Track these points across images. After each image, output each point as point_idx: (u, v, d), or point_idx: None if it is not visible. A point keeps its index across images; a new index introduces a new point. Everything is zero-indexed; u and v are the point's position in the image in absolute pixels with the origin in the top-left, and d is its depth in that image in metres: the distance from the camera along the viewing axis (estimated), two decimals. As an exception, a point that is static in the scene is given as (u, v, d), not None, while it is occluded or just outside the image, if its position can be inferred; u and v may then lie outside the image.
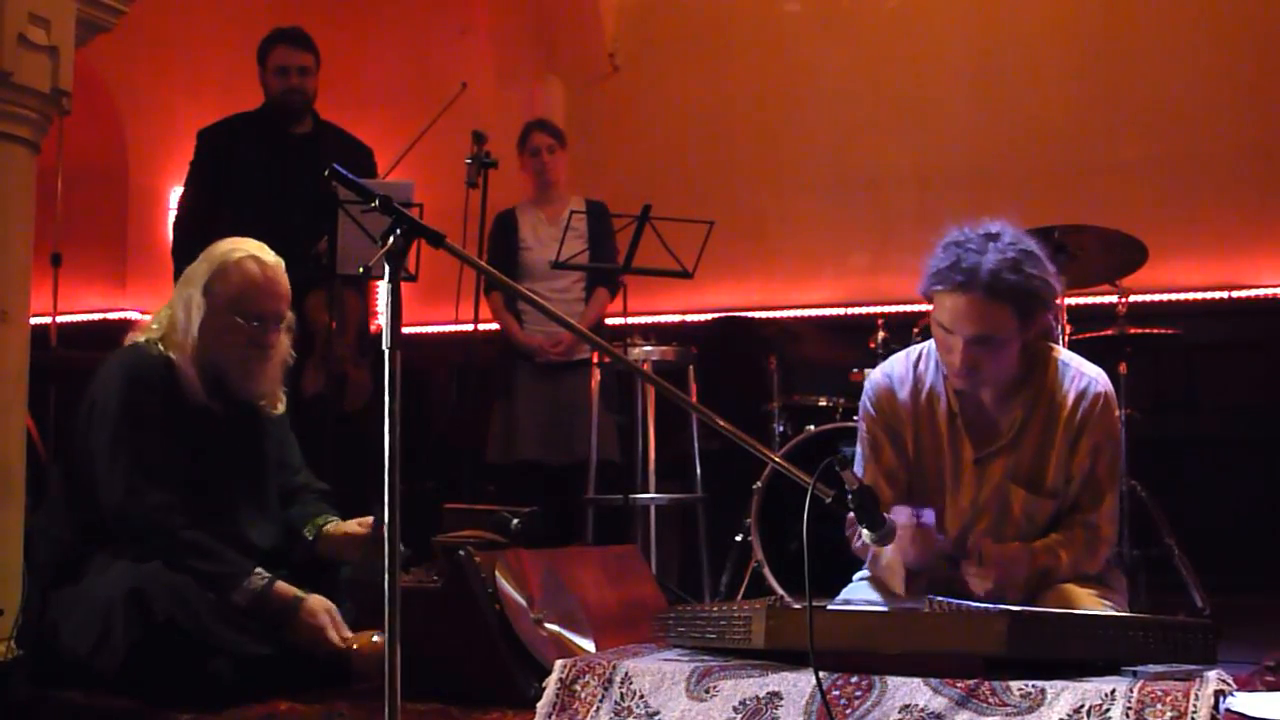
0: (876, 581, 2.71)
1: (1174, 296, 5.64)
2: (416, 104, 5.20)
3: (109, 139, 6.62)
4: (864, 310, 5.89)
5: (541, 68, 6.67)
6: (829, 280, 6.21)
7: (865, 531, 2.27)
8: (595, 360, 4.85)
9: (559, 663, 2.31)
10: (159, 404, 2.91)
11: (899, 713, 1.99)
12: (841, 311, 6.07)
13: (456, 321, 4.78)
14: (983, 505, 2.66)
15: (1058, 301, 2.57)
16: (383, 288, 1.93)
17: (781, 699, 2.07)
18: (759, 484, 4.49)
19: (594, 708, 2.20)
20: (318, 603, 2.84)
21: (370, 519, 2.99)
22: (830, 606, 2.44)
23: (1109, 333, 4.57)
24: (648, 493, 4.84)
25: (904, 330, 4.55)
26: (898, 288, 5.71)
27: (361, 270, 3.99)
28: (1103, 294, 4.95)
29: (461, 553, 2.76)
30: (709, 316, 5.99)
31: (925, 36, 6.24)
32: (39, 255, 3.50)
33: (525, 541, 2.99)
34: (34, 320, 3.38)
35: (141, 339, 3.01)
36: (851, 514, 2.19)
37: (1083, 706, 1.91)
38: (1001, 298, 2.48)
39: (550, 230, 5.00)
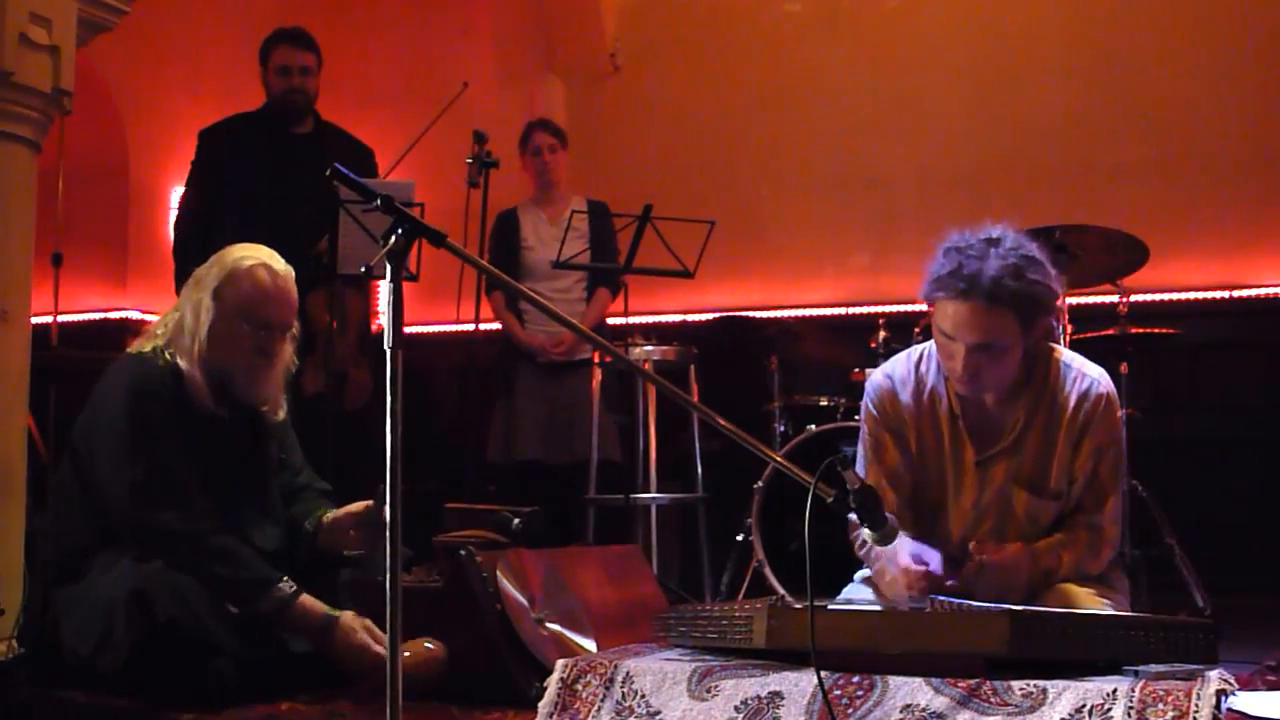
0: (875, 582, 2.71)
1: (1175, 296, 5.64)
2: (417, 104, 5.20)
3: (110, 139, 6.61)
4: (865, 310, 5.89)
5: (542, 67, 6.67)
6: (830, 280, 6.21)
7: (867, 531, 2.27)
8: (596, 360, 4.85)
9: (560, 662, 2.31)
10: (169, 415, 2.89)
11: (900, 712, 1.99)
12: (842, 311, 6.08)
13: (458, 321, 4.78)
14: (985, 507, 2.65)
15: (1059, 304, 2.56)
16: (384, 287, 1.93)
17: (783, 699, 2.07)
18: (760, 484, 4.49)
19: (595, 707, 2.20)
20: (353, 620, 2.80)
21: (370, 502, 2.98)
22: (831, 606, 2.44)
23: (1110, 332, 4.57)
24: (649, 492, 4.84)
25: (905, 330, 4.55)
26: (898, 287, 5.71)
27: (363, 270, 3.99)
28: (1104, 294, 4.95)
29: (463, 552, 2.76)
30: (710, 316, 5.99)
31: (925, 36, 6.24)
32: (40, 255, 3.51)
33: (526, 541, 2.99)
34: (35, 320, 3.39)
35: (148, 348, 2.99)
36: (853, 515, 2.19)
37: (1084, 706, 1.91)
38: (1004, 305, 2.47)
39: (551, 230, 5.00)
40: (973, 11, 6.20)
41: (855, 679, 2.06)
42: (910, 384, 2.73)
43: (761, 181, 6.37)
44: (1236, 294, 5.65)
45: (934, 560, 2.52)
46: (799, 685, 2.08)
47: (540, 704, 2.26)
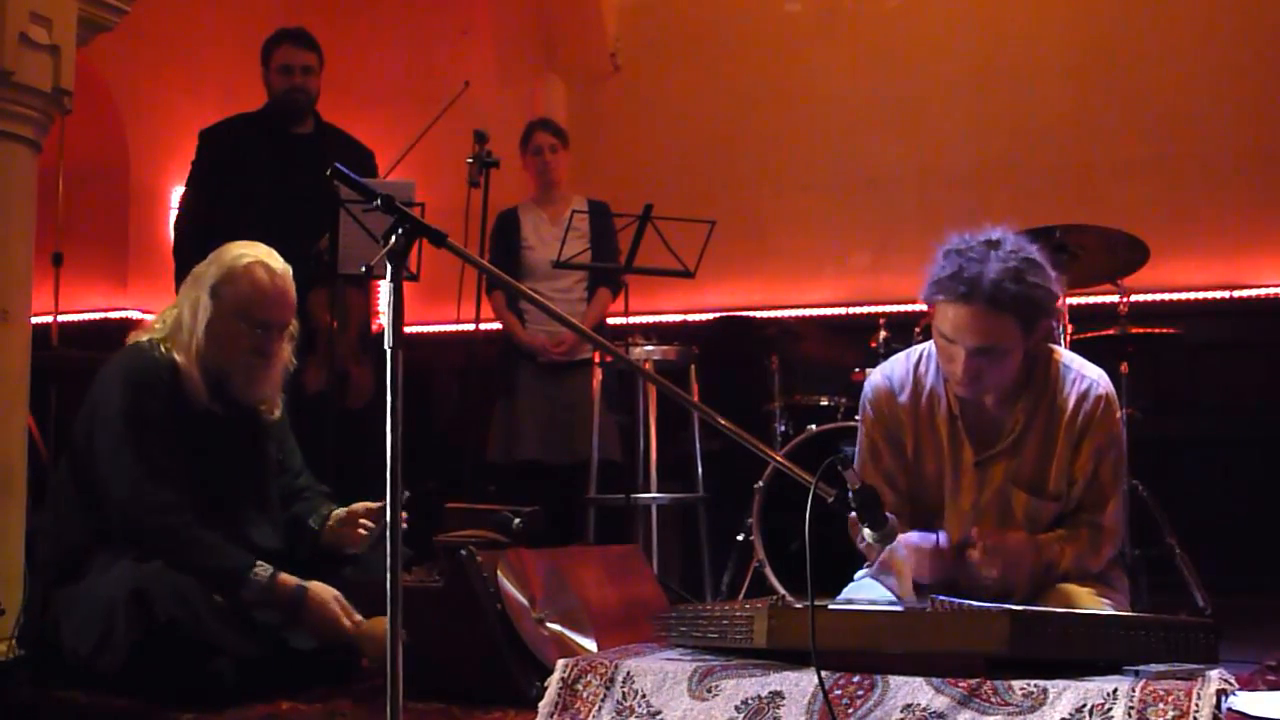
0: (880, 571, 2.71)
1: (1175, 296, 5.64)
2: (418, 103, 5.20)
3: (110, 138, 6.61)
4: (865, 310, 5.89)
5: (543, 67, 6.67)
6: (830, 280, 6.21)
7: (867, 531, 2.27)
8: (597, 360, 4.85)
9: (561, 662, 2.31)
10: (162, 405, 2.91)
11: (901, 712, 1.99)
12: (843, 311, 6.07)
13: (458, 321, 4.78)
14: (984, 508, 2.65)
15: (1059, 306, 2.57)
16: (385, 287, 1.93)
17: (783, 698, 2.07)
18: (760, 483, 4.49)
19: (596, 707, 2.20)
20: (324, 590, 2.84)
21: (382, 503, 2.98)
22: (832, 606, 2.43)
23: (1110, 332, 4.56)
24: (649, 492, 4.84)
25: (905, 330, 4.55)
26: (899, 287, 5.71)
27: (363, 269, 4.00)
28: (1104, 294, 4.95)
29: (463, 552, 2.76)
30: (710, 316, 5.98)
31: (925, 36, 6.24)
32: (40, 255, 3.51)
33: (527, 541, 2.99)
34: (35, 320, 3.39)
35: (145, 339, 3.00)
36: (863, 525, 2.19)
37: (1085, 706, 1.91)
38: (1004, 309, 2.47)
39: (552, 230, 5.00)
40: (973, 11, 6.19)
41: (856, 679, 2.06)
42: (909, 385, 2.73)
43: (762, 181, 6.37)
44: (1236, 294, 5.65)
45: (941, 537, 2.53)
46: (799, 685, 2.08)
47: (541, 704, 2.26)
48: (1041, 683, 1.95)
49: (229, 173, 4.67)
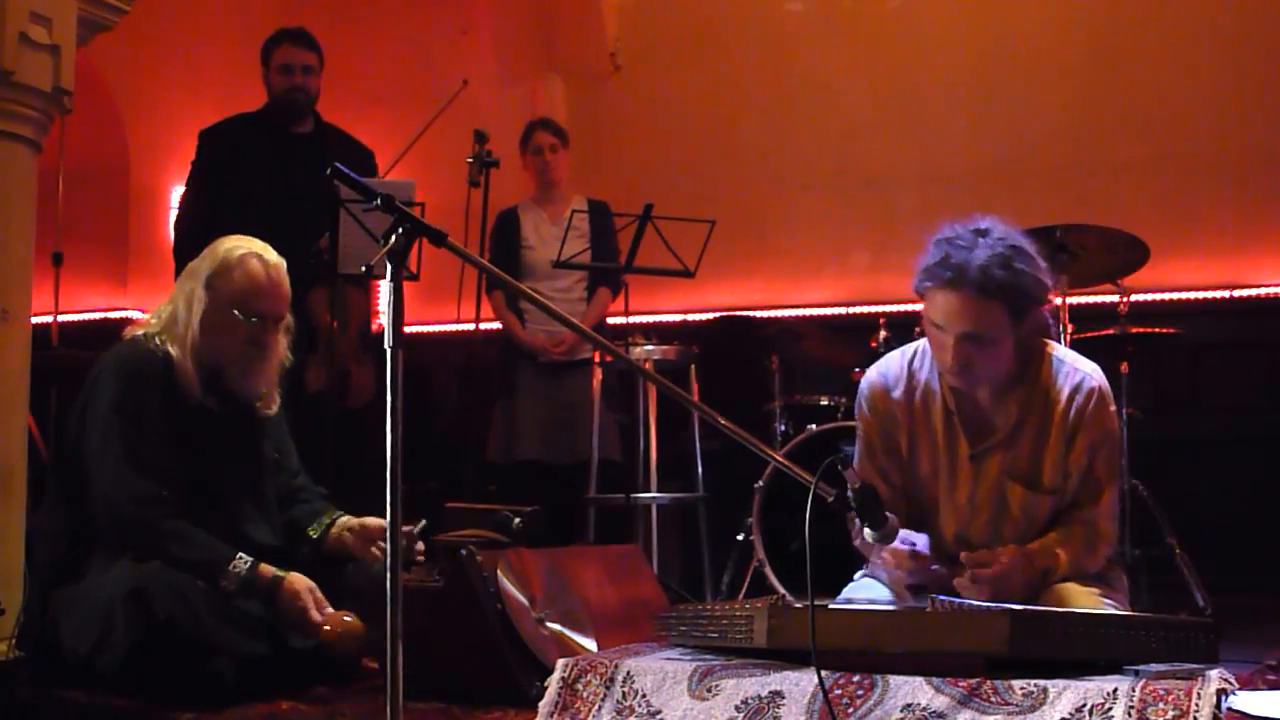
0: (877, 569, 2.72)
1: (1175, 296, 5.65)
2: (418, 103, 5.20)
3: (110, 138, 6.62)
4: (865, 309, 5.90)
5: (543, 67, 6.68)
6: (830, 279, 6.22)
7: (868, 531, 2.28)
8: (597, 359, 4.85)
9: (561, 662, 2.31)
10: (154, 398, 2.90)
11: (901, 712, 1.99)
12: (843, 310, 6.08)
13: (458, 320, 4.78)
14: (980, 502, 2.65)
15: (1051, 298, 2.57)
16: (385, 287, 1.93)
17: (783, 698, 2.07)
18: (760, 483, 4.49)
19: (596, 707, 2.20)
20: (299, 581, 2.82)
21: (410, 528, 2.96)
22: (832, 605, 2.44)
23: (1110, 332, 4.57)
24: (649, 492, 4.84)
25: (905, 329, 4.55)
26: (899, 287, 5.63)
27: (363, 269, 4.01)
28: (1104, 293, 4.96)
29: (463, 552, 2.76)
30: (710, 316, 5.99)
31: (925, 36, 6.24)
32: (40, 254, 3.51)
33: (527, 541, 2.99)
34: (35, 319, 3.38)
35: (140, 333, 3.00)
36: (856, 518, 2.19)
37: (1085, 706, 1.91)
38: (992, 294, 2.48)
39: (552, 229, 5.00)
40: (973, 11, 6.20)
41: (856, 678, 2.06)
42: (903, 381, 2.74)
43: (762, 181, 6.37)
44: (1236, 294, 5.65)
45: (920, 541, 2.53)
46: (800, 685, 2.08)
47: (541, 703, 2.26)
48: (1041, 682, 1.95)
49: (229, 173, 4.67)
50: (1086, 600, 2.52)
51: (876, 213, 6.16)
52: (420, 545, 3.00)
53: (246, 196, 4.57)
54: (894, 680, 2.03)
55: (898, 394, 2.73)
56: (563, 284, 5.02)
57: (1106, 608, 2.51)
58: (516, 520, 3.00)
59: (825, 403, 4.82)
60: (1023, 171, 5.90)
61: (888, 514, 2.26)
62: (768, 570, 4.40)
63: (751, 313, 5.74)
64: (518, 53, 6.65)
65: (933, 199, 5.99)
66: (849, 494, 2.14)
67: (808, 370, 5.40)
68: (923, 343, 2.73)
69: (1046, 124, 5.96)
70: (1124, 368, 4.57)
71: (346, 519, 3.11)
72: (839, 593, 2.74)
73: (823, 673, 2.02)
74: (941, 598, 2.21)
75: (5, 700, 2.69)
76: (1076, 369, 2.64)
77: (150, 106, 6.68)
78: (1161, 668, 2.08)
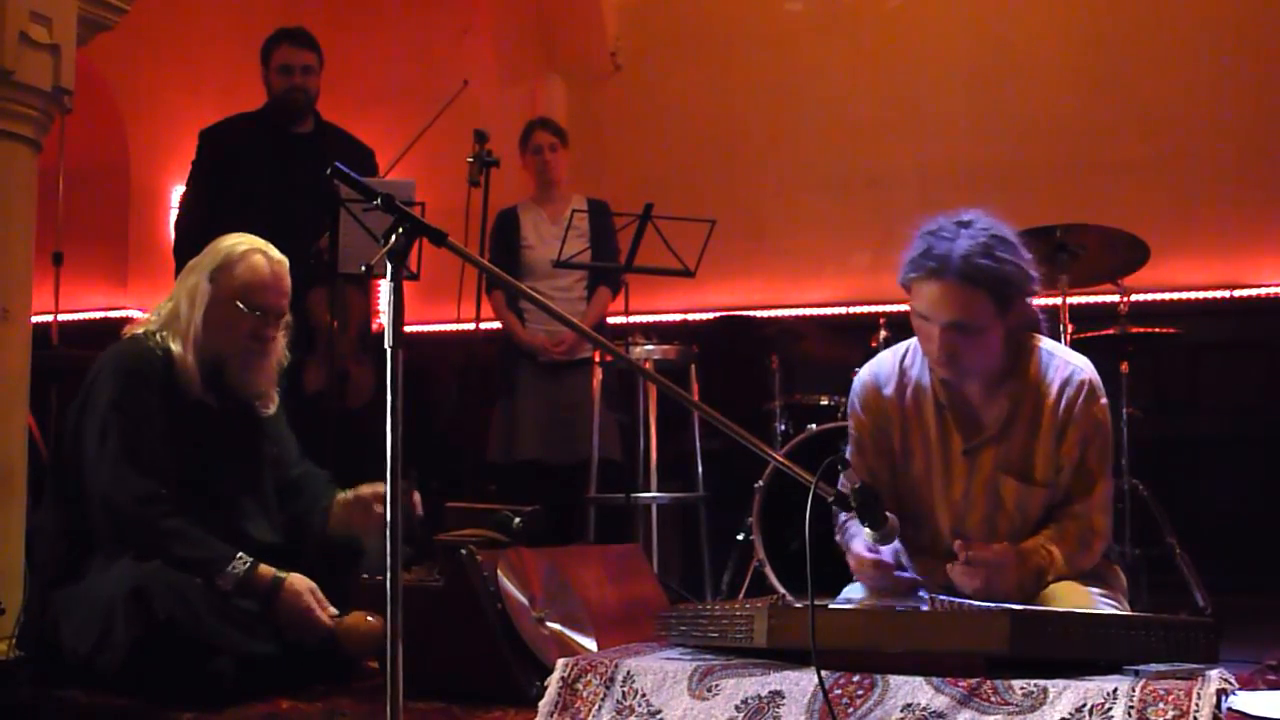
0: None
1: (1175, 296, 5.65)
2: (418, 103, 5.20)
3: (110, 138, 6.62)
4: (865, 309, 5.89)
5: (543, 66, 6.68)
6: (830, 279, 6.22)
7: (868, 530, 2.28)
8: (597, 359, 4.85)
9: (561, 661, 2.31)
10: (153, 395, 2.90)
11: (901, 711, 1.99)
12: (843, 310, 6.08)
13: (458, 320, 4.78)
14: (974, 497, 2.65)
15: (1036, 288, 2.58)
16: (385, 286, 1.93)
17: (783, 698, 2.07)
18: (761, 483, 4.49)
19: (596, 706, 2.20)
20: (300, 582, 2.82)
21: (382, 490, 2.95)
22: (832, 605, 2.44)
23: (1110, 332, 4.57)
24: (649, 491, 4.84)
25: (905, 329, 4.50)
26: (899, 287, 5.70)
27: (363, 269, 4.02)
28: (1104, 293, 4.96)
29: (463, 552, 2.76)
30: (710, 315, 5.99)
31: (925, 36, 6.24)
32: (40, 254, 3.51)
33: (527, 540, 2.99)
34: (35, 319, 3.39)
35: (139, 331, 3.00)
36: (839, 511, 2.19)
37: (1085, 705, 1.91)
38: (975, 283, 2.49)
39: (552, 229, 5.00)
40: (973, 11, 6.20)
41: (856, 678, 2.06)
42: (894, 379, 2.74)
43: (762, 181, 6.37)
44: (1236, 294, 5.65)
45: (886, 550, 2.53)
46: (800, 684, 2.08)
47: (541, 703, 2.26)
48: (1041, 682, 1.95)
49: (229, 172, 4.68)
50: (1086, 599, 2.52)
51: (876, 213, 6.15)
52: (416, 496, 2.99)
53: (247, 196, 4.58)
54: (894, 680, 2.03)
55: (889, 392, 2.74)
56: (563, 283, 5.02)
57: (1105, 607, 2.51)
58: (516, 520, 2.99)
59: (825, 402, 4.82)
60: (1023, 171, 5.90)
61: (888, 514, 2.26)
62: (768, 570, 4.39)
63: (752, 312, 5.73)
64: (518, 53, 6.65)
65: (933, 199, 5.97)
66: (849, 494, 2.15)
67: (808, 370, 5.40)
68: (913, 341, 2.74)
69: (1046, 124, 5.96)
70: (1124, 367, 4.57)
71: (341, 496, 3.10)
72: (839, 593, 2.74)
73: (823, 672, 2.02)
74: (942, 597, 2.21)
75: (5, 700, 2.69)
76: (1066, 362, 2.65)
77: (150, 106, 6.68)
78: (1161, 668, 2.08)
